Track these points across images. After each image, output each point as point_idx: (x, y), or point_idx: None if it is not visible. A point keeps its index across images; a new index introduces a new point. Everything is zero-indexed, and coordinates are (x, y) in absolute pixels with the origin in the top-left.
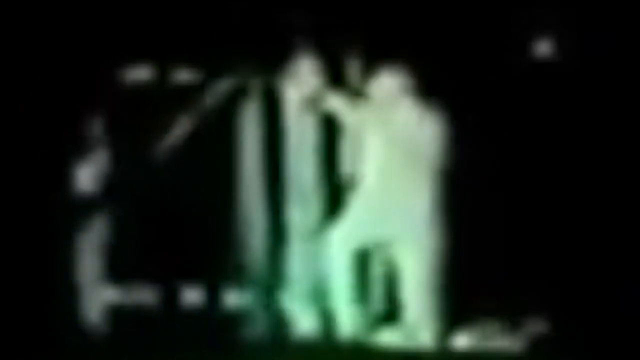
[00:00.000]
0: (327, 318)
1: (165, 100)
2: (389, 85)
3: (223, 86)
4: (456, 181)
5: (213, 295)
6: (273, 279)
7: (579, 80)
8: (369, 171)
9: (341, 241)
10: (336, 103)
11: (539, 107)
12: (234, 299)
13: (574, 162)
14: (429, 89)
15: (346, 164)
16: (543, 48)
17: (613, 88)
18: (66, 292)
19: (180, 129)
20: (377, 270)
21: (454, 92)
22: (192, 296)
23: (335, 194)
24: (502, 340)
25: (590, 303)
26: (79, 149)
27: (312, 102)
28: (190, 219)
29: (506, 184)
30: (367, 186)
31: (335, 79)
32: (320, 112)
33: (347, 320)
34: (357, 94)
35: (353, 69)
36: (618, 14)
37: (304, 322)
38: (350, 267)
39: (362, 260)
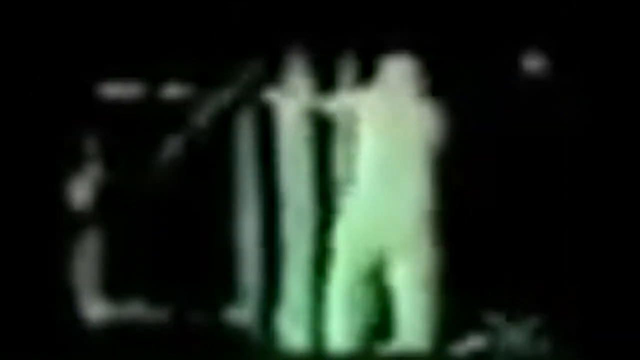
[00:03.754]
0: (320, 333)
1: (159, 115)
2: (394, 76)
3: (217, 100)
4: (453, 184)
5: (208, 311)
6: (268, 295)
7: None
8: (364, 176)
9: (337, 253)
10: (330, 108)
11: (536, 118)
12: (228, 315)
13: (571, 171)
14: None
15: (341, 172)
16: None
17: (605, 99)
18: (60, 305)
19: (175, 143)
20: (371, 284)
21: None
22: (186, 312)
23: (330, 206)
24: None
25: (591, 321)
26: (73, 163)
27: (307, 112)
28: (185, 234)
29: (500, 188)
30: (362, 193)
31: (329, 83)
32: (315, 121)
33: (341, 334)
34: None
35: (348, 71)
36: (611, 28)
37: (297, 336)
38: (345, 282)
39: (357, 274)
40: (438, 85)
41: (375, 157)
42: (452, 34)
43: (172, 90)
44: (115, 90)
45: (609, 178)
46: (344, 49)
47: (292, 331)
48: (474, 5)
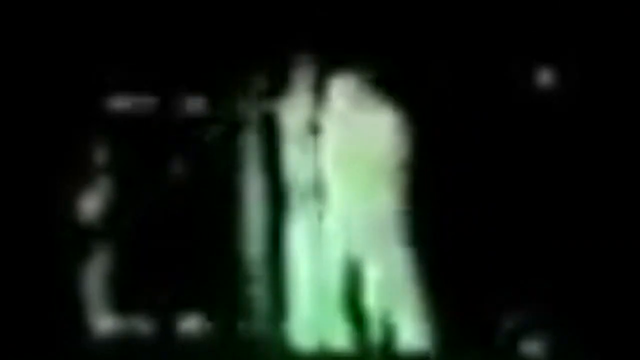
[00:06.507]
0: (328, 342)
1: (168, 128)
2: (348, 88)
3: (224, 112)
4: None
5: (217, 324)
6: (276, 308)
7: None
8: (334, 185)
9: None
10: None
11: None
12: (237, 328)
13: (573, 181)
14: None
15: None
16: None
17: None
18: (67, 320)
19: (183, 157)
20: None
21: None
22: (193, 326)
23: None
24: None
25: (583, 329)
26: (83, 177)
27: (309, 123)
28: (193, 248)
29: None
30: (335, 201)
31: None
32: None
33: (347, 341)
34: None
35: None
36: (620, 43)
37: (305, 346)
38: (348, 289)
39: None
40: (431, 96)
41: (347, 163)
42: (455, 47)
43: (181, 103)
44: (125, 103)
45: (617, 190)
46: (344, 61)
47: (301, 342)
48: (481, 18)
